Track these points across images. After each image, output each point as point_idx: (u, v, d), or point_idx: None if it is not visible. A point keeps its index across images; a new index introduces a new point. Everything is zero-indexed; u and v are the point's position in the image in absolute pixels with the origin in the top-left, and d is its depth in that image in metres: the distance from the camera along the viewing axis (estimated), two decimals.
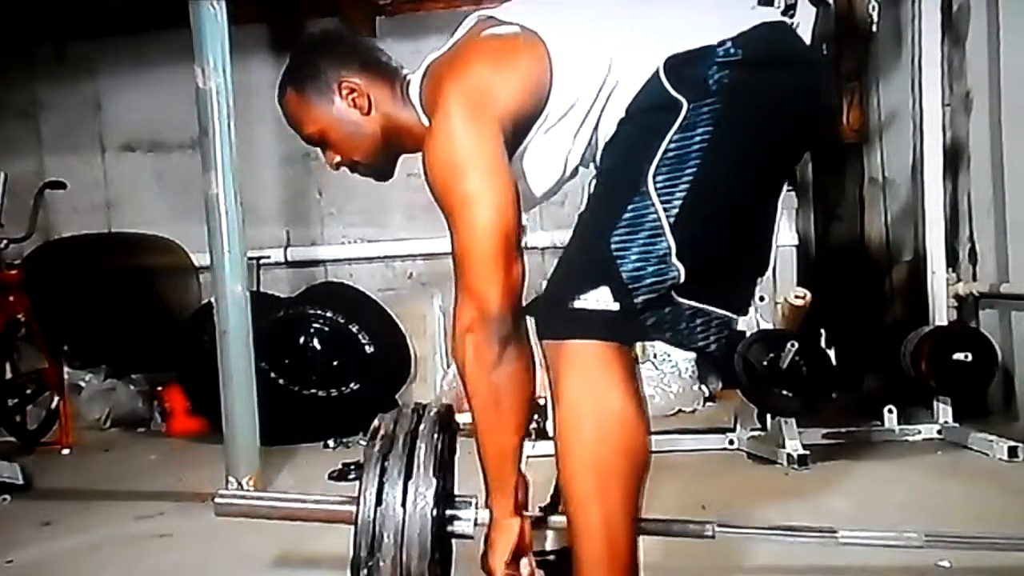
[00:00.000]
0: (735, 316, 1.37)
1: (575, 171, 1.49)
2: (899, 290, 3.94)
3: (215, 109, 2.66)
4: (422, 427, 1.39)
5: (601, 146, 1.42)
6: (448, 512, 1.41)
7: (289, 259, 4.58)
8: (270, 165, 4.60)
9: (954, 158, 3.56)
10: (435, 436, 1.38)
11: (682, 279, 1.26)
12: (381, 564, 1.28)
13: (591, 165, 1.48)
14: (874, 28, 3.39)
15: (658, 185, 1.26)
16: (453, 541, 1.47)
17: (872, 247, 4.12)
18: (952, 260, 3.48)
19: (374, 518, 1.30)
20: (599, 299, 1.25)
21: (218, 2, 2.64)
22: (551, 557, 1.52)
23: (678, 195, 1.26)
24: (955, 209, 3.60)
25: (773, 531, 1.69)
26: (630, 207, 1.27)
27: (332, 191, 4.62)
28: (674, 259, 1.25)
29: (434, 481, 1.32)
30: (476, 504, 1.43)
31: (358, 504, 1.32)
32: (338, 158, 1.55)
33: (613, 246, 1.26)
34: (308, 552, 2.22)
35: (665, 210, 1.25)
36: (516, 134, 1.36)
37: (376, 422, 1.43)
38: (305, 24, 4.62)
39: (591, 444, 1.26)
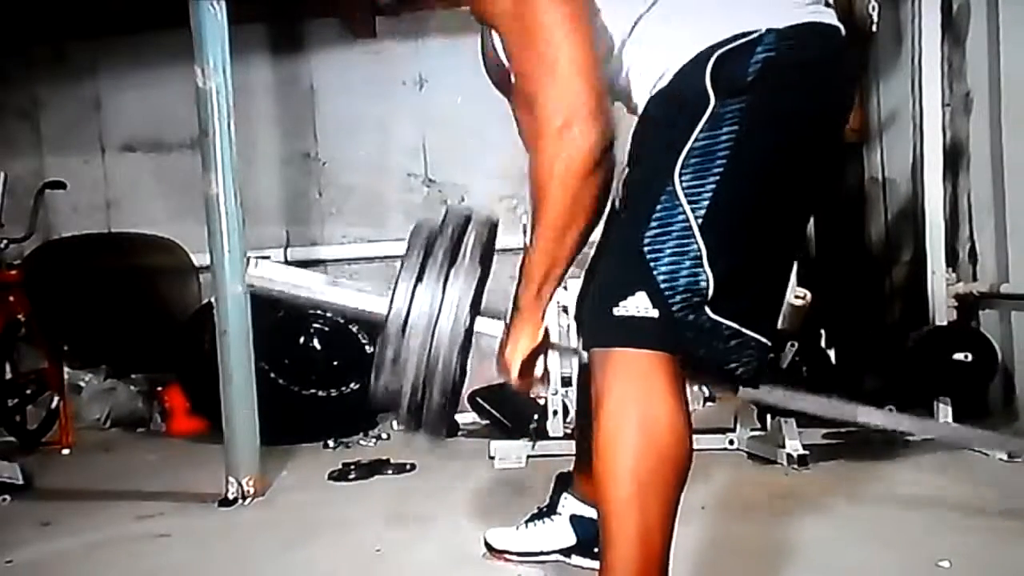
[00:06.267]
0: (768, 342, 1.32)
1: None
2: (899, 290, 3.94)
3: (215, 109, 2.66)
4: (470, 223, 1.34)
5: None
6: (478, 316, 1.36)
7: (289, 259, 4.57)
8: (270, 165, 4.60)
9: (954, 158, 3.56)
10: (484, 232, 1.33)
11: (712, 288, 1.24)
12: (411, 342, 1.25)
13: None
14: (874, 28, 3.39)
15: (685, 184, 1.24)
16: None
17: (872, 247, 4.12)
18: (952, 260, 3.48)
19: (412, 296, 1.26)
20: (638, 306, 1.24)
21: (218, 2, 2.64)
22: None
23: (705, 195, 1.24)
24: (955, 209, 3.60)
25: None
26: (659, 207, 1.25)
27: (332, 191, 4.62)
28: (705, 265, 1.23)
29: (479, 269, 1.28)
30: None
31: (396, 282, 1.28)
32: None
33: (646, 248, 1.25)
34: (306, 554, 2.23)
35: (693, 211, 1.23)
36: None
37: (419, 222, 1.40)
38: (305, 24, 4.63)
39: (633, 449, 1.22)
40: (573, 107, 1.23)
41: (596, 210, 1.30)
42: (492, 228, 1.39)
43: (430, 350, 1.26)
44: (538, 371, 1.41)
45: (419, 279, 1.29)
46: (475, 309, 1.32)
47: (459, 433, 3.62)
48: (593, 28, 1.30)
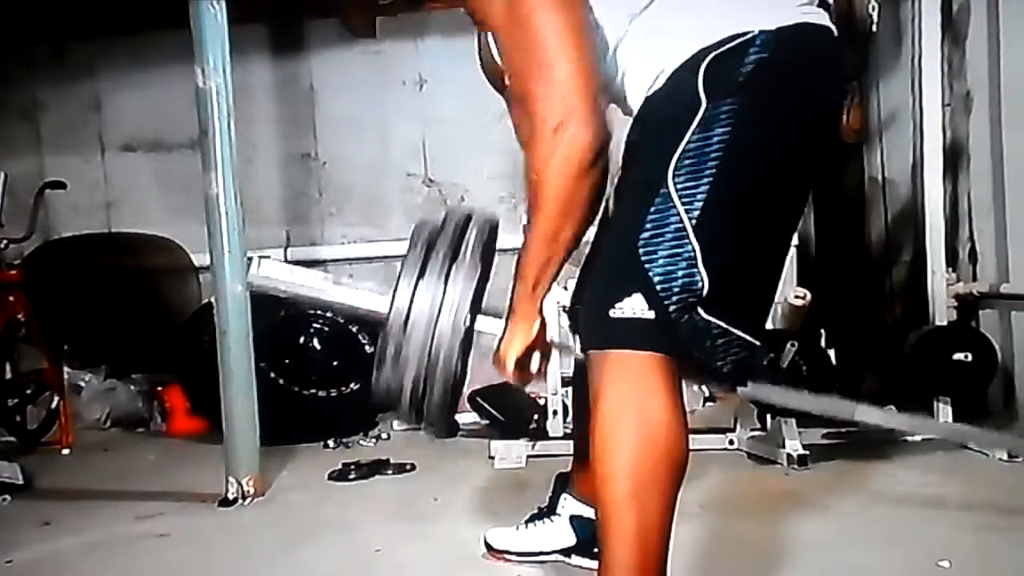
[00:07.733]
0: (756, 342, 1.32)
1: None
2: (899, 290, 3.94)
3: (215, 109, 2.66)
4: (471, 222, 1.36)
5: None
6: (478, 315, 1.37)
7: (289, 259, 4.57)
8: (270, 165, 4.60)
9: (954, 158, 3.56)
10: (484, 231, 1.35)
11: (707, 288, 1.24)
12: (412, 338, 1.26)
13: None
14: (874, 28, 3.39)
15: (679, 185, 1.25)
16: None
17: (872, 247, 4.12)
18: (952, 260, 3.47)
19: (413, 293, 1.27)
20: (634, 307, 1.24)
21: (218, 2, 2.64)
22: None
23: (699, 197, 1.24)
24: (955, 209, 3.60)
25: None
26: (653, 209, 1.26)
27: (332, 191, 4.62)
28: (700, 265, 1.24)
29: (479, 267, 1.30)
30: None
31: (398, 280, 1.29)
32: None
33: (641, 250, 1.25)
34: (306, 554, 2.23)
35: (687, 212, 1.24)
36: None
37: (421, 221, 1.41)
38: (305, 24, 4.63)
39: (630, 449, 1.23)
40: (568, 107, 1.25)
41: (590, 210, 1.32)
42: (493, 228, 1.41)
43: (431, 347, 1.27)
44: (533, 367, 1.42)
45: (420, 277, 1.30)
46: (476, 307, 1.34)
47: (459, 433, 3.62)
48: (588, 27, 1.31)
